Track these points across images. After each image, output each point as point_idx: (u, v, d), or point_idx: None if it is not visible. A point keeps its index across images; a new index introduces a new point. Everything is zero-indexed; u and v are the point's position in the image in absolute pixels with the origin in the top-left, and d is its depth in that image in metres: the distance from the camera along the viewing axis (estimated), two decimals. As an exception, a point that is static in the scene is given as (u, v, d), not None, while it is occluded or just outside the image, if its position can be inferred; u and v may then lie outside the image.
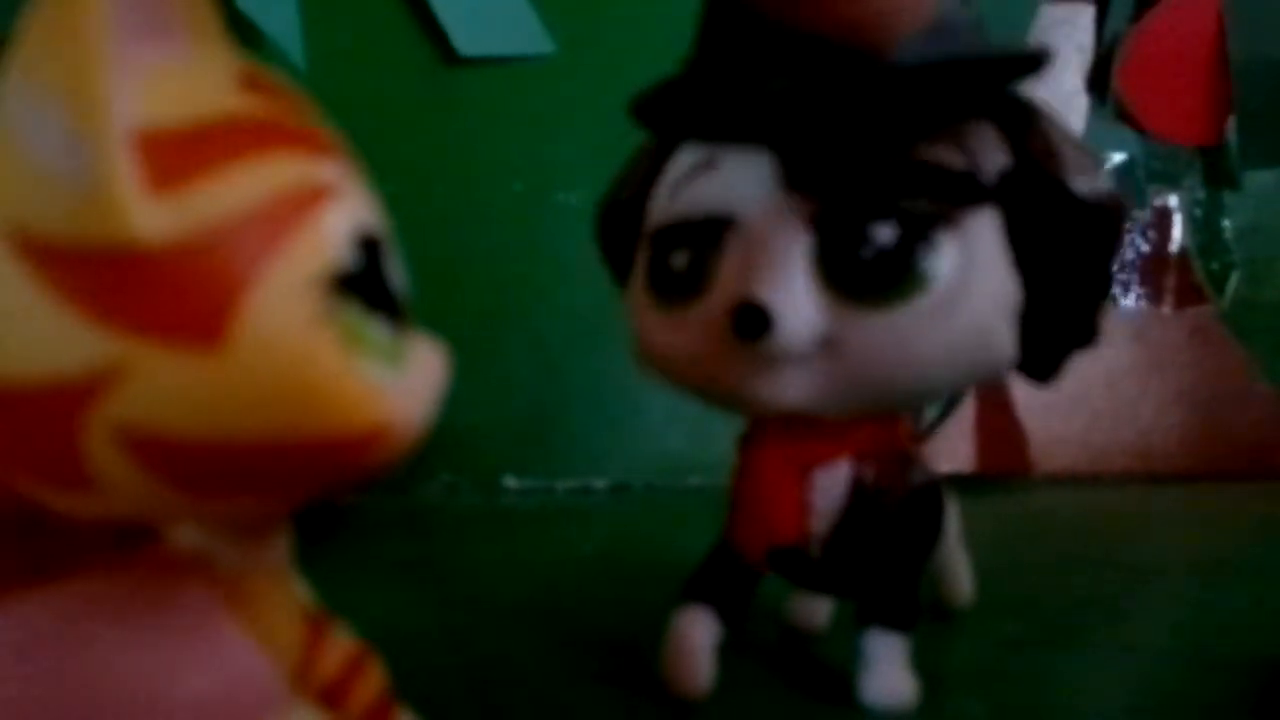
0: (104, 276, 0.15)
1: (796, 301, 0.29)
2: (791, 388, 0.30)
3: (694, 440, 0.72)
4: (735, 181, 0.31)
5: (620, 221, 0.35)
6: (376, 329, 0.18)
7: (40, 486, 0.17)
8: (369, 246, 0.18)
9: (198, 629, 0.20)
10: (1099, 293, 0.31)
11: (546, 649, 0.38)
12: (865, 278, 0.29)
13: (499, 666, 0.37)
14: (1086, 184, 0.30)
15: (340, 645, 0.24)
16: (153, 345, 0.15)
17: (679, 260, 0.32)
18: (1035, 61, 0.29)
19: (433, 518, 0.64)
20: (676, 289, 0.32)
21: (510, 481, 0.72)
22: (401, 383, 0.18)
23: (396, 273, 0.19)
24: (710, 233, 0.31)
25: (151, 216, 0.15)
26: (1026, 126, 0.30)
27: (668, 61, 0.33)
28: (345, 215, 0.17)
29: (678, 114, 0.33)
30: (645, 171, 0.34)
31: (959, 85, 0.29)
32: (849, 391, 0.30)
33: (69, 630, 0.19)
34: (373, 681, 0.25)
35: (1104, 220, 0.30)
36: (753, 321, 0.29)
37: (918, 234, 0.29)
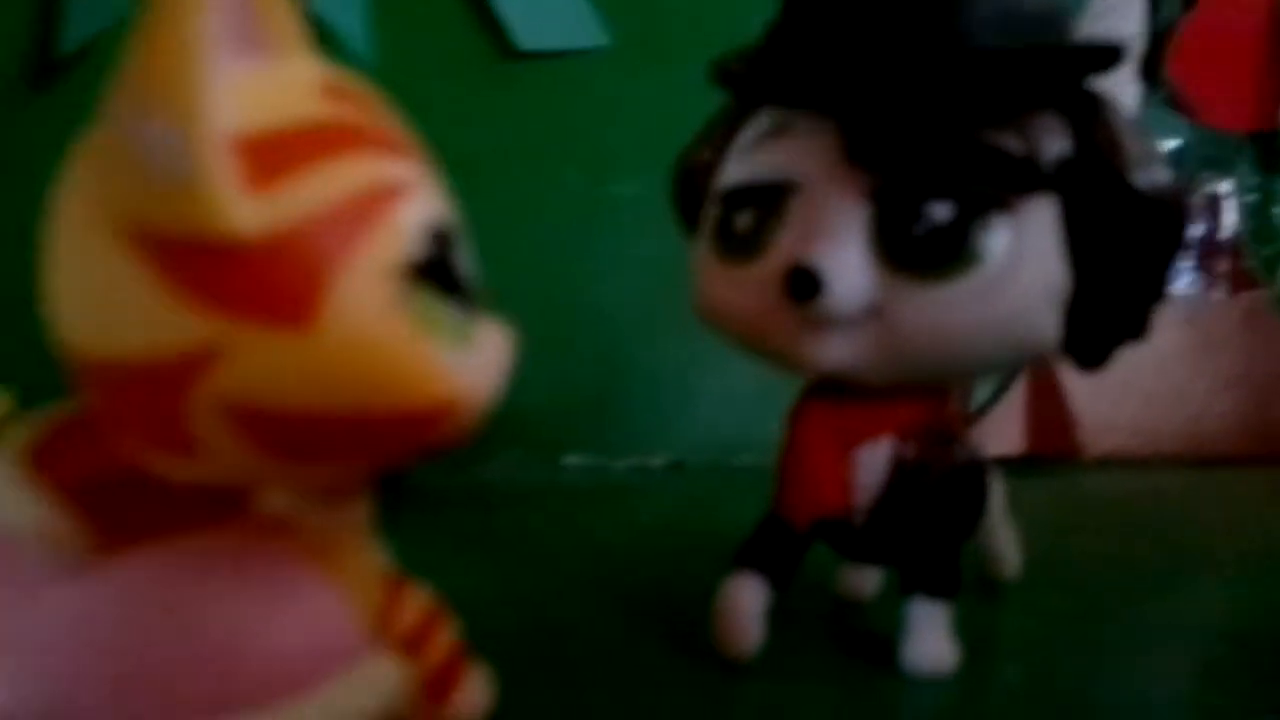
0: (207, 266, 0.17)
1: (848, 268, 0.30)
2: (836, 350, 0.31)
3: (746, 421, 0.72)
4: (802, 149, 0.32)
5: (694, 180, 0.36)
6: (447, 313, 0.19)
7: (148, 452, 0.19)
8: (440, 238, 0.20)
9: (287, 584, 0.22)
10: (1154, 287, 0.32)
11: (605, 614, 0.39)
12: (917, 252, 0.30)
13: (560, 630, 0.39)
14: (1147, 178, 0.30)
15: (416, 599, 0.25)
16: (250, 327, 0.17)
17: (743, 221, 0.33)
18: (1111, 56, 0.29)
19: (496, 493, 0.65)
20: (738, 248, 0.33)
21: (571, 459, 0.73)
22: (470, 362, 0.20)
23: (466, 261, 0.21)
24: (774, 197, 0.32)
25: (248, 212, 0.17)
26: (1092, 117, 0.30)
27: (720, 54, 0.35)
28: (418, 210, 0.19)
29: (756, 80, 0.34)
30: (721, 133, 0.35)
31: (1032, 75, 0.30)
32: (890, 359, 0.31)
33: (170, 586, 0.21)
34: (446, 634, 0.26)
35: (1163, 214, 0.31)
36: (804, 284, 0.30)
37: (972, 215, 0.30)
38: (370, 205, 0.18)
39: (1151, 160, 0.31)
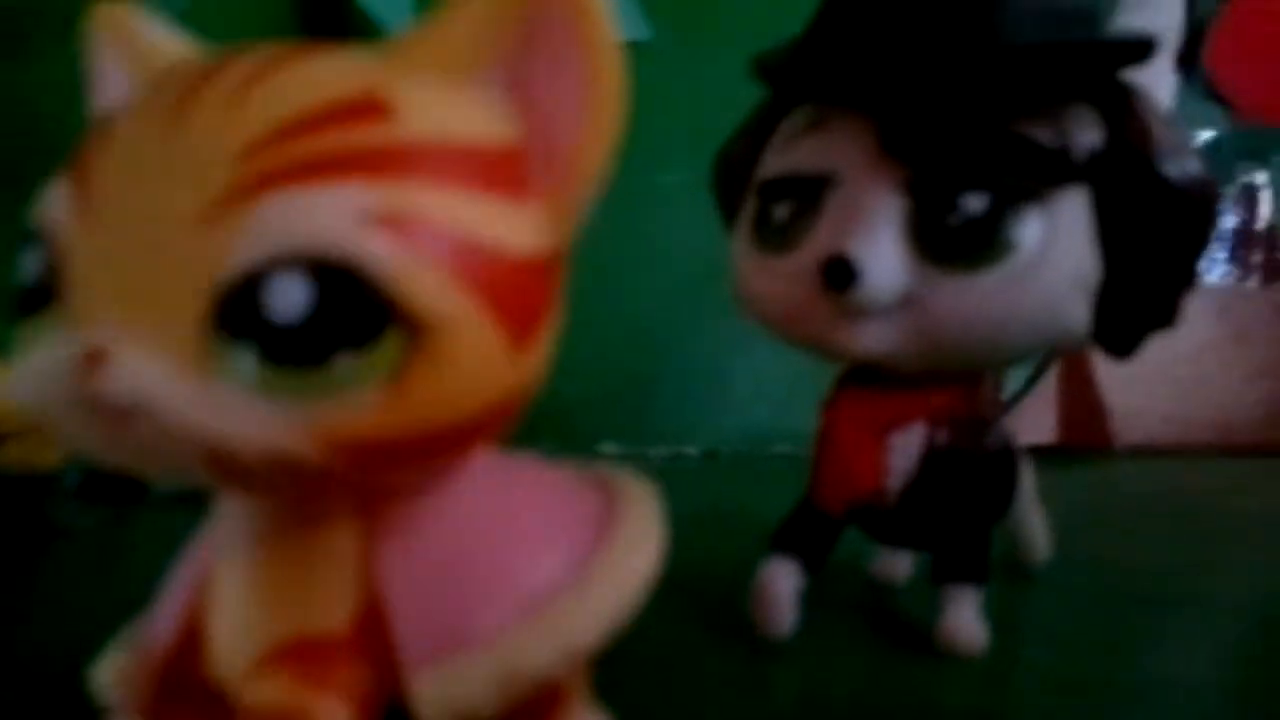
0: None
1: (883, 258, 0.31)
2: (870, 338, 0.32)
3: (778, 412, 0.73)
4: (839, 143, 0.33)
5: (734, 171, 0.37)
6: None
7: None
8: None
9: None
10: (1183, 276, 0.33)
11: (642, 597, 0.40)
12: (951, 243, 0.31)
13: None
14: (1178, 168, 0.31)
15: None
16: (491, 323, 0.18)
17: (781, 212, 0.34)
18: (1143, 49, 0.30)
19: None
20: (776, 238, 0.34)
21: (608, 448, 0.74)
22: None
23: None
24: (812, 189, 0.33)
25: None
26: (1124, 109, 0.31)
27: (763, 46, 0.35)
28: None
29: (794, 75, 0.34)
30: (760, 126, 0.36)
31: (1066, 69, 0.31)
32: (923, 347, 0.32)
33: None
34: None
35: (1193, 205, 0.31)
36: (841, 273, 0.31)
37: (1005, 206, 0.30)
38: None
39: (1183, 151, 0.31)
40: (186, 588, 0.23)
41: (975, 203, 0.30)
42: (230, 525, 0.22)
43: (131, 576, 0.23)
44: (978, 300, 0.31)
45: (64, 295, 0.18)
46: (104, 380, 0.16)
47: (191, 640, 0.22)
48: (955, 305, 0.31)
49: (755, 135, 0.36)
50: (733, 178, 0.37)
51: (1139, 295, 0.32)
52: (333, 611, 0.21)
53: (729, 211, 0.38)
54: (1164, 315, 0.33)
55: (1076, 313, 0.32)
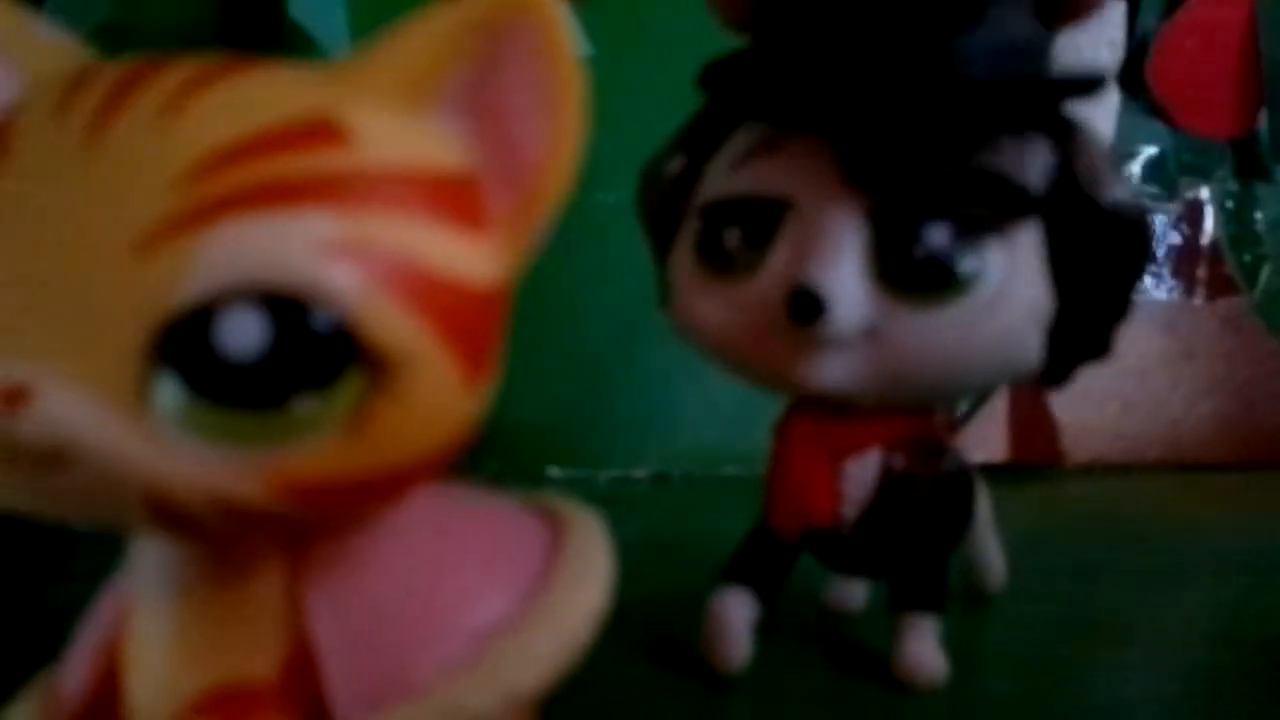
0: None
1: (849, 290, 0.30)
2: (831, 371, 0.31)
3: (729, 433, 0.72)
4: (797, 167, 0.32)
5: (669, 191, 0.35)
6: None
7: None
8: None
9: None
10: (1123, 305, 0.33)
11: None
12: (916, 275, 0.30)
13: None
14: (1119, 197, 0.31)
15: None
16: (450, 357, 0.17)
17: (732, 237, 0.32)
18: (1094, 83, 0.30)
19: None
20: (727, 264, 0.33)
21: (554, 471, 0.73)
22: None
23: None
24: (767, 214, 0.32)
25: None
26: (1072, 140, 0.31)
27: (704, 63, 0.34)
28: None
29: (745, 92, 0.33)
30: (700, 143, 0.35)
31: (1021, 103, 0.31)
32: (884, 380, 0.31)
33: None
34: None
35: (1134, 233, 0.31)
36: (808, 306, 0.30)
37: (969, 238, 0.30)
38: None
39: (1120, 179, 0.32)
40: (101, 634, 0.21)
41: (940, 234, 0.30)
42: (147, 570, 0.20)
43: (59, 612, 0.23)
44: (940, 333, 0.30)
45: None
46: (25, 421, 0.15)
47: (107, 690, 0.21)
48: (918, 338, 0.30)
49: (694, 152, 0.35)
50: (667, 198, 0.36)
51: (1082, 326, 0.32)
52: (260, 658, 0.20)
53: (661, 232, 0.36)
54: (1102, 345, 0.33)
55: (1033, 345, 0.31)
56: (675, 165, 0.35)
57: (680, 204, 0.35)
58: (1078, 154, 0.31)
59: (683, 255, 0.35)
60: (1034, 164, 0.31)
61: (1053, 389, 0.34)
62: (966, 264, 0.30)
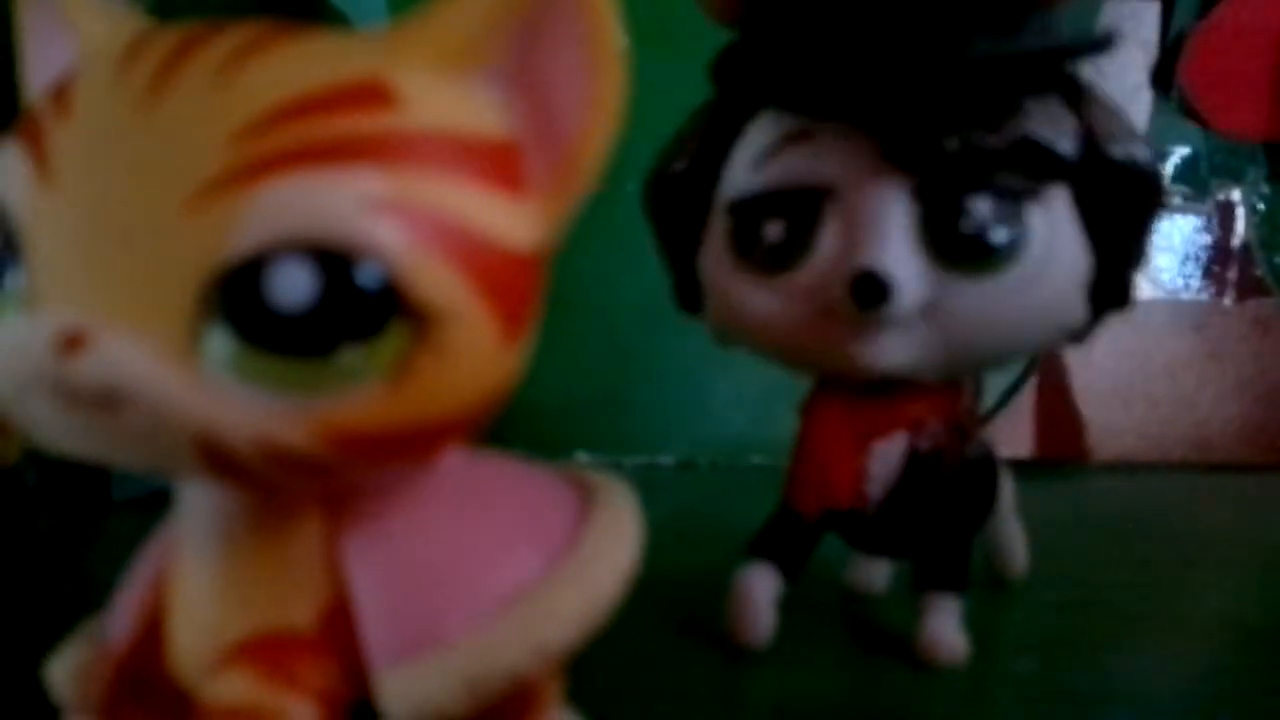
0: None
1: (908, 269, 0.31)
2: (892, 352, 0.32)
3: (755, 421, 0.73)
4: (831, 153, 0.32)
5: (687, 191, 0.35)
6: None
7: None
8: None
9: None
10: (1140, 256, 0.34)
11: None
12: (966, 248, 0.31)
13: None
14: (1139, 151, 0.32)
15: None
16: (489, 314, 0.18)
17: (773, 230, 0.32)
18: (1105, 42, 0.31)
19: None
20: (771, 258, 0.33)
21: (581, 456, 0.73)
22: None
23: None
24: (807, 204, 0.32)
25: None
26: (1085, 101, 0.32)
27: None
28: None
29: (770, 85, 0.33)
30: (716, 139, 0.34)
31: (1027, 74, 0.31)
32: (943, 354, 0.32)
33: None
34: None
35: (1153, 184, 0.32)
36: (872, 289, 0.30)
37: (1014, 206, 0.31)
38: None
39: (1134, 134, 0.32)
40: (146, 583, 0.22)
41: (984, 205, 0.31)
42: (192, 520, 0.21)
43: (93, 577, 0.23)
44: (995, 303, 0.31)
45: (24, 272, 0.17)
46: (84, 364, 0.15)
47: (151, 637, 0.21)
48: (974, 310, 0.31)
49: (706, 151, 0.35)
50: (686, 197, 0.35)
51: (1109, 281, 0.33)
52: (299, 608, 0.20)
53: (677, 235, 0.36)
54: (1123, 296, 0.34)
55: (1077, 305, 0.32)
56: (690, 166, 0.35)
57: (698, 205, 0.35)
58: (1094, 114, 0.32)
59: (715, 256, 0.35)
60: (1062, 128, 0.31)
61: (1078, 344, 0.35)
62: (1012, 231, 0.31)
